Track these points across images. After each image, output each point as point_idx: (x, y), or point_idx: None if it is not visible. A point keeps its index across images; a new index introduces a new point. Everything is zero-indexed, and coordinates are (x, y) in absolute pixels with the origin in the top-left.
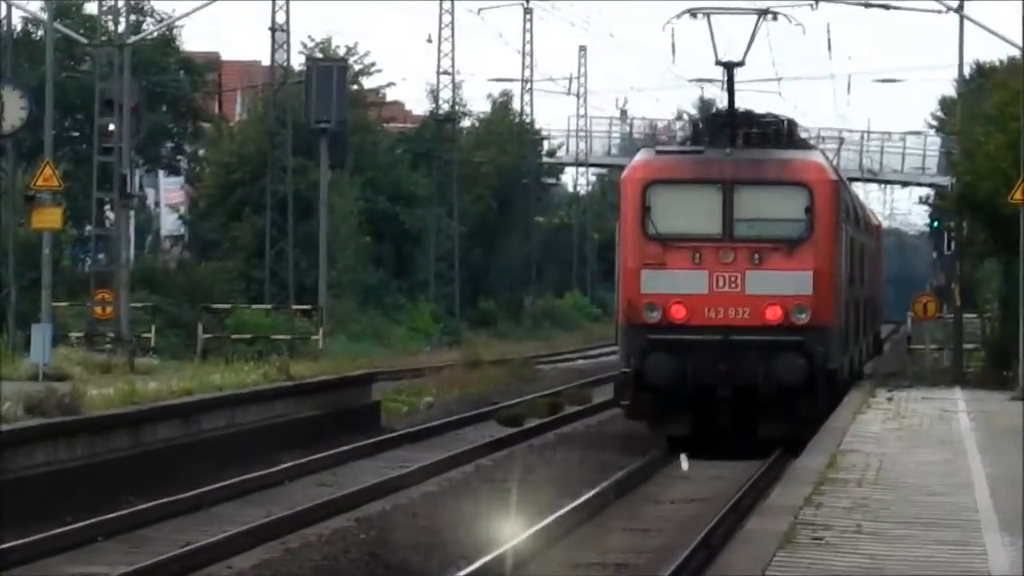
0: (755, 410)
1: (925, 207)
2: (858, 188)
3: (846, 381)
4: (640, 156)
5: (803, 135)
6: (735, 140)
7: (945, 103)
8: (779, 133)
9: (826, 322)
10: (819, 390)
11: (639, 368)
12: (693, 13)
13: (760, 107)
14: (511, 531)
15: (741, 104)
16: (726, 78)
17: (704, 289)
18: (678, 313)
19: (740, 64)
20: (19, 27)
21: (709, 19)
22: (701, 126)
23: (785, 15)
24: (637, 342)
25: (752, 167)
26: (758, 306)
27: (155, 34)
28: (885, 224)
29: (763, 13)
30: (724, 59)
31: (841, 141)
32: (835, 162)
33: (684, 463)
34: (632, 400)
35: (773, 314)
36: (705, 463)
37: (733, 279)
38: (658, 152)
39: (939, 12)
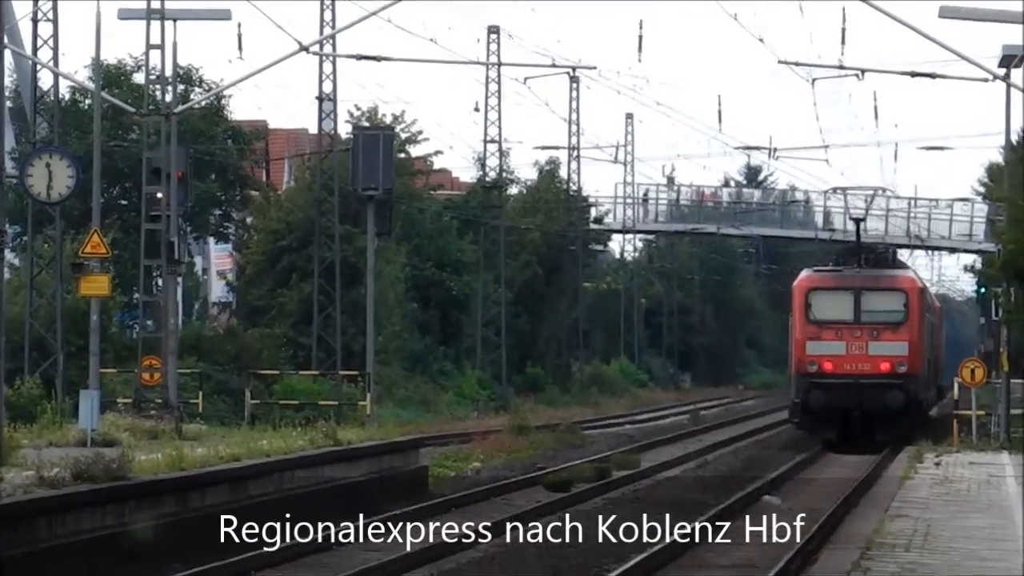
0: (874, 425)
1: (972, 274)
2: (904, 254)
3: (927, 407)
4: (804, 273)
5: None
6: (860, 263)
7: (992, 170)
8: (886, 258)
9: (916, 372)
10: (912, 412)
11: (804, 399)
12: (835, 190)
13: (806, 174)
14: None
15: (791, 174)
16: (855, 230)
17: (843, 352)
18: (827, 367)
19: (863, 220)
20: (67, 96)
21: (845, 194)
22: (841, 256)
23: (891, 192)
24: (803, 384)
25: (871, 279)
26: (876, 362)
27: (203, 103)
28: (933, 290)
29: (876, 190)
30: (853, 216)
31: (888, 210)
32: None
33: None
34: (800, 419)
35: (885, 367)
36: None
37: (861, 346)
38: (815, 271)
39: (985, 80)
